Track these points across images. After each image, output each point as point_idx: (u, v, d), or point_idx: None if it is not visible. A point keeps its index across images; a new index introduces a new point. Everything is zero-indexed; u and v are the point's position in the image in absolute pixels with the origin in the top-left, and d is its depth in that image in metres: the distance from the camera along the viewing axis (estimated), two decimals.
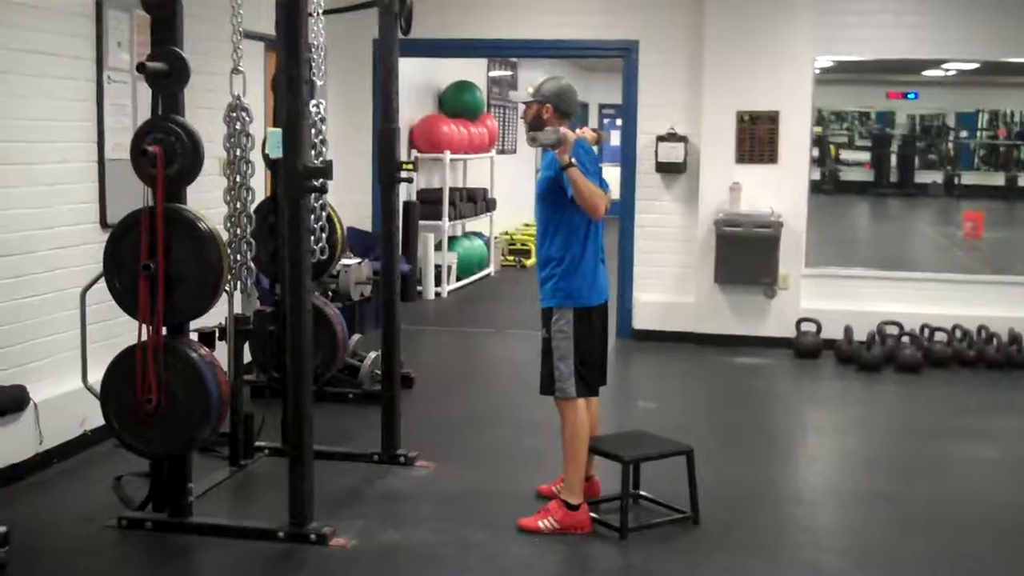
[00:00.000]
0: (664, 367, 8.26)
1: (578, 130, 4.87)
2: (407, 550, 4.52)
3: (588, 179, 4.59)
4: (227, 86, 4.83)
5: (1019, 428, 6.89)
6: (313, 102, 5.25)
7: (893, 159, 12.46)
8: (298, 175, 4.45)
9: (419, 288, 11.06)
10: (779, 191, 8.59)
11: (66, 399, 5.42)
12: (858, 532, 4.95)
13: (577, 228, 4.71)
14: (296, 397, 4.54)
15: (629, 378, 8.07)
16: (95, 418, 4.99)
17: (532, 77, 17.15)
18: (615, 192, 10.59)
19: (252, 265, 5.00)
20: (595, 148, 4.96)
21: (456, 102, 12.18)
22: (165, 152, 4.38)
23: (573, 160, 4.56)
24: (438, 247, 11.39)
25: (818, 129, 9.37)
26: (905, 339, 8.24)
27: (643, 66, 8.89)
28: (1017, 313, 8.41)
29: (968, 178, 12.74)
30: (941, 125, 12.71)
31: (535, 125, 4.81)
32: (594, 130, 5.09)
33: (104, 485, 4.93)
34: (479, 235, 12.97)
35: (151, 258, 4.35)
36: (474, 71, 13.29)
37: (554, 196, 4.71)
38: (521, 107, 4.99)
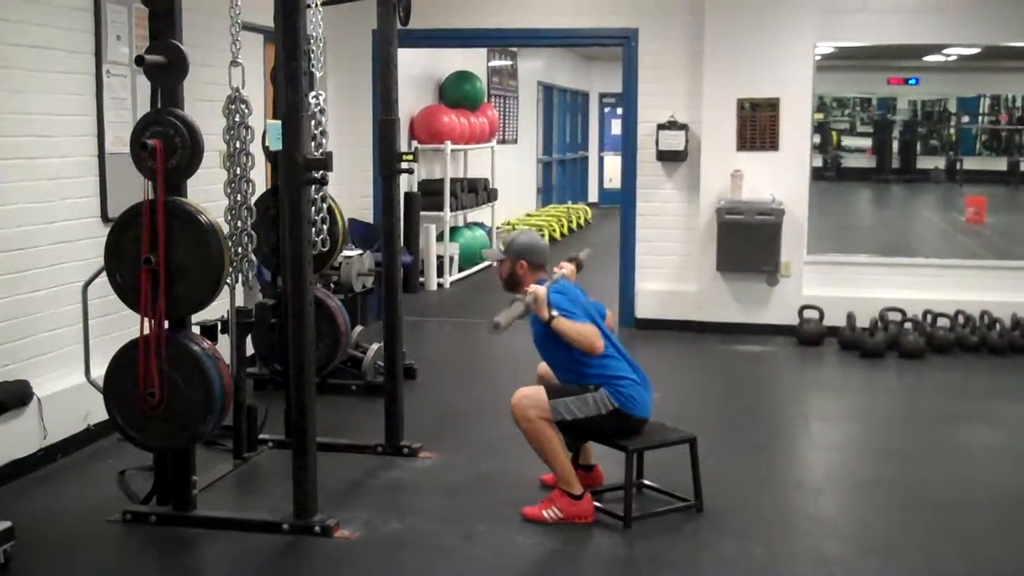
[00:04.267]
0: (666, 356, 8.25)
1: (555, 269, 4.90)
2: (411, 541, 4.53)
3: (575, 321, 4.59)
4: (226, 78, 4.82)
5: (1023, 413, 6.88)
6: (312, 94, 5.24)
7: (895, 145, 12.44)
8: (298, 167, 4.44)
9: (421, 279, 11.07)
10: (780, 178, 8.57)
11: (69, 394, 5.43)
12: (862, 519, 4.96)
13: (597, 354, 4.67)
14: (299, 389, 4.54)
15: None
16: (98, 412, 4.99)
17: (532, 66, 17.17)
18: (616, 181, 10.60)
19: (253, 257, 4.99)
20: (578, 277, 4.98)
21: (456, 92, 12.16)
22: (165, 145, 4.37)
23: (554, 312, 4.56)
24: (440, 238, 11.38)
25: (819, 116, 9.36)
26: (908, 325, 8.23)
27: (643, 54, 8.87)
28: (1020, 298, 8.39)
29: (970, 163, 12.71)
30: (942, 111, 12.69)
31: (511, 281, 4.85)
32: (571, 259, 5.10)
33: (108, 479, 4.95)
34: (481, 225, 12.97)
35: (152, 252, 4.34)
36: (474, 61, 13.28)
37: (559, 344, 4.67)
38: (495, 264, 4.99)
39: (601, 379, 4.67)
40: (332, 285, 6.85)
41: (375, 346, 6.82)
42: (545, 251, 4.97)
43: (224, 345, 5.05)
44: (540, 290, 4.62)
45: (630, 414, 4.71)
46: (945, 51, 9.48)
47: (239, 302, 5.22)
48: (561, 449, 4.71)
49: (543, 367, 4.99)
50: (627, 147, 9.05)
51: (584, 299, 4.85)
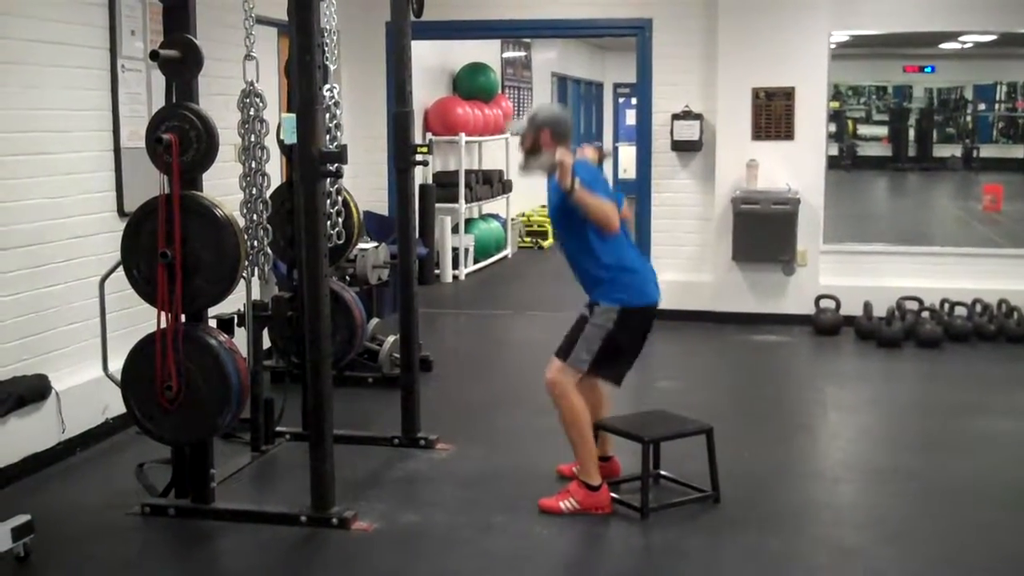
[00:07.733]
0: (683, 346, 8.23)
1: (578, 150, 4.85)
2: (428, 533, 4.53)
3: (595, 194, 4.56)
4: (240, 72, 4.83)
5: None
6: (327, 87, 5.24)
7: (911, 133, 12.41)
8: (313, 160, 4.45)
9: (437, 271, 11.08)
10: (796, 167, 8.54)
11: (87, 387, 5.45)
12: (880, 508, 4.94)
13: (613, 235, 4.66)
14: (316, 382, 4.55)
15: (648, 357, 7.97)
16: (116, 406, 5.01)
17: (546, 57, 17.13)
18: (631, 171, 10.59)
19: (269, 251, 5.01)
20: (601, 164, 4.95)
21: (470, 84, 12.15)
22: (180, 140, 4.38)
23: (576, 183, 4.52)
24: (455, 230, 11.39)
25: (835, 104, 9.33)
26: (925, 314, 8.20)
27: (657, 44, 8.84)
28: None
29: (987, 151, 12.67)
30: (959, 98, 12.64)
31: (533, 151, 4.80)
32: (596, 147, 5.06)
33: (126, 472, 4.96)
34: (496, 217, 12.97)
35: (168, 246, 4.36)
36: (488, 52, 13.25)
37: (573, 218, 4.65)
38: (516, 138, 4.96)
39: (610, 264, 4.66)
40: (348, 278, 6.85)
41: (391, 338, 6.83)
42: (569, 124, 4.85)
43: (241, 338, 5.06)
44: (568, 157, 4.55)
45: (635, 307, 4.73)
46: (961, 38, 9.44)
47: (255, 295, 5.24)
48: (590, 434, 4.72)
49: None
50: (642, 137, 9.03)
51: (604, 182, 4.80)
